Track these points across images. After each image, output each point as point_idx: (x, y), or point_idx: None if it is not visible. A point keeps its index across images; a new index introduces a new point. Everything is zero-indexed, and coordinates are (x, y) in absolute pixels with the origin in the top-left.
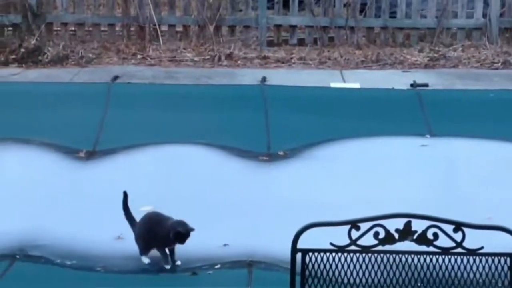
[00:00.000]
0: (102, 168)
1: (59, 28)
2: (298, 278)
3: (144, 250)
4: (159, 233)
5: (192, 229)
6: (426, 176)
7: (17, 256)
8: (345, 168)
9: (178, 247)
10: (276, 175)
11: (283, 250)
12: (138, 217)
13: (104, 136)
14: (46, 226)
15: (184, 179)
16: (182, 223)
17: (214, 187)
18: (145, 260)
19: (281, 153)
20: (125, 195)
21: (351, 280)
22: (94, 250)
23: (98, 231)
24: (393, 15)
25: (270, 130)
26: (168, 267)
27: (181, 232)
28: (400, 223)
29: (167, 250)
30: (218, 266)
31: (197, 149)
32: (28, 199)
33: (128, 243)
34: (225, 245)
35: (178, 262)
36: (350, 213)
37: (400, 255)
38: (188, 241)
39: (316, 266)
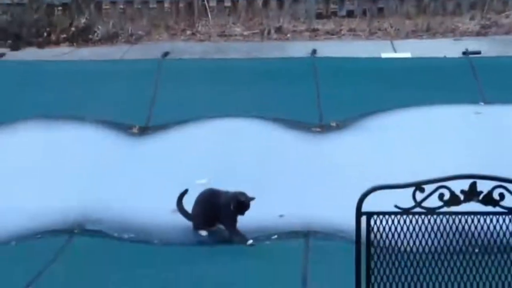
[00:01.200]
0: (155, 143)
1: (108, 7)
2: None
3: (201, 226)
4: (220, 207)
5: (252, 198)
6: (481, 143)
7: (75, 231)
8: (398, 138)
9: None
10: (329, 145)
11: (339, 220)
12: (193, 190)
13: (156, 112)
14: (103, 200)
15: (238, 152)
16: (241, 193)
17: (268, 159)
18: (203, 232)
19: (333, 124)
20: (185, 191)
21: (417, 243)
22: (151, 223)
23: (154, 205)
24: None
25: (322, 102)
26: (250, 241)
27: (242, 201)
28: (465, 184)
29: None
30: (275, 236)
31: (249, 122)
32: (84, 175)
33: None
34: (281, 216)
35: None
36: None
37: (466, 217)
38: (246, 212)
39: (381, 229)
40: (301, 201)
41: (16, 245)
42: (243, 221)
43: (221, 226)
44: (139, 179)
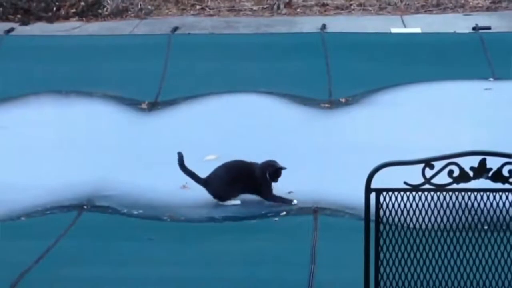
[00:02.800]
0: (165, 118)
1: None
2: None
3: (227, 197)
4: (255, 177)
5: (284, 168)
6: (491, 119)
7: (85, 207)
8: (407, 114)
9: (242, 196)
10: (339, 121)
11: (348, 196)
12: (203, 166)
13: (165, 87)
14: (112, 176)
15: (247, 128)
16: (274, 161)
17: (277, 134)
18: (231, 202)
19: (342, 99)
20: (180, 155)
21: (426, 219)
22: (160, 199)
23: (163, 181)
24: None
25: (331, 77)
26: (295, 202)
27: (278, 168)
28: (474, 161)
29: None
30: (284, 213)
31: (258, 98)
32: (93, 150)
33: (194, 192)
34: (290, 192)
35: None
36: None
37: (475, 193)
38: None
39: (390, 206)
40: (309, 178)
41: (26, 220)
42: (253, 196)
43: (255, 196)
44: (148, 155)
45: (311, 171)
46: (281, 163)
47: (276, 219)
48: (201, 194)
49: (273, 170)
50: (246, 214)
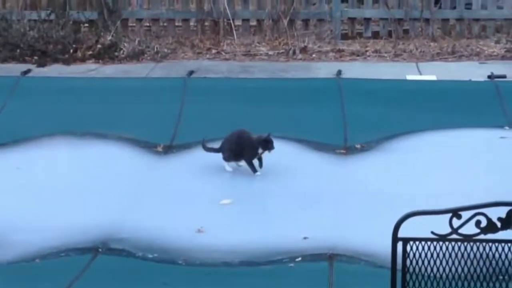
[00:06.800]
0: (180, 162)
1: (134, 24)
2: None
3: (230, 159)
4: (248, 147)
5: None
6: (507, 168)
7: (100, 249)
8: (423, 161)
9: (257, 241)
10: (354, 168)
11: (364, 243)
12: (218, 210)
13: (181, 130)
14: (128, 219)
15: (262, 173)
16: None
17: (292, 180)
18: (228, 168)
19: (358, 146)
20: (203, 140)
21: (453, 270)
22: (175, 243)
23: (178, 224)
24: (468, 6)
25: (347, 123)
26: (259, 173)
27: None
28: (500, 211)
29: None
30: (299, 259)
31: (274, 143)
32: (108, 193)
33: (208, 236)
34: (305, 238)
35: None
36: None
37: (503, 244)
38: (268, 233)
39: (417, 255)
40: (325, 224)
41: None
42: (268, 242)
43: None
44: (163, 198)
45: (326, 217)
46: (295, 208)
47: (292, 264)
48: (216, 238)
49: (263, 140)
50: (261, 259)
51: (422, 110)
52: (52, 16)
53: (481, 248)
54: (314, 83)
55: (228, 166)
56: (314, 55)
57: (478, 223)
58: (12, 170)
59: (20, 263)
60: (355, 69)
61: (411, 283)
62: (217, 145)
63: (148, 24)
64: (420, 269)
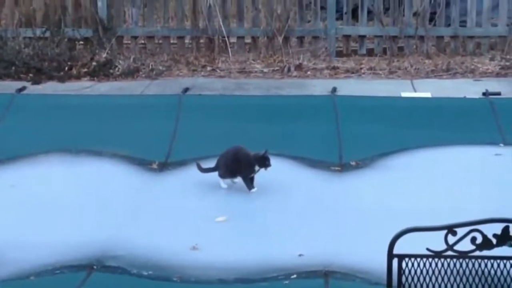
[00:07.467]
0: (175, 179)
1: (129, 42)
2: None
3: (226, 176)
4: (244, 165)
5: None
6: (501, 185)
7: (95, 267)
8: (418, 178)
9: (252, 258)
10: (349, 185)
11: (359, 260)
12: (213, 228)
13: (176, 148)
14: (122, 236)
15: (257, 190)
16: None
17: (287, 197)
18: (223, 185)
19: (353, 163)
20: (198, 164)
21: (448, 286)
22: (170, 260)
23: (173, 242)
24: (463, 23)
25: (342, 140)
26: (254, 190)
27: (264, 156)
28: (495, 228)
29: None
30: (294, 276)
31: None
32: (103, 210)
33: (204, 253)
34: (300, 255)
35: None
36: (425, 223)
37: (499, 261)
38: (263, 250)
39: (412, 271)
40: (320, 241)
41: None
42: (262, 259)
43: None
44: (158, 215)
45: (321, 234)
46: (290, 225)
47: (287, 281)
48: (211, 255)
49: (260, 157)
50: (256, 276)
51: (417, 127)
52: (47, 34)
53: (476, 265)
54: (309, 100)
55: (223, 183)
56: (309, 72)
57: (473, 240)
58: (6, 188)
59: (15, 281)
60: (350, 86)
61: None
62: (211, 163)
63: (143, 42)
64: (415, 285)
